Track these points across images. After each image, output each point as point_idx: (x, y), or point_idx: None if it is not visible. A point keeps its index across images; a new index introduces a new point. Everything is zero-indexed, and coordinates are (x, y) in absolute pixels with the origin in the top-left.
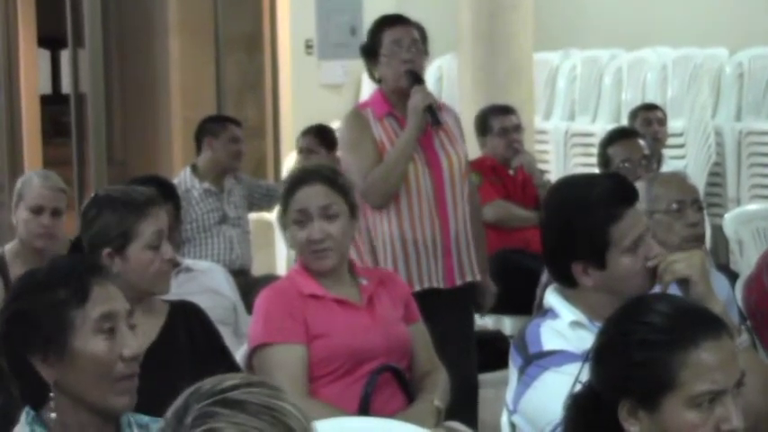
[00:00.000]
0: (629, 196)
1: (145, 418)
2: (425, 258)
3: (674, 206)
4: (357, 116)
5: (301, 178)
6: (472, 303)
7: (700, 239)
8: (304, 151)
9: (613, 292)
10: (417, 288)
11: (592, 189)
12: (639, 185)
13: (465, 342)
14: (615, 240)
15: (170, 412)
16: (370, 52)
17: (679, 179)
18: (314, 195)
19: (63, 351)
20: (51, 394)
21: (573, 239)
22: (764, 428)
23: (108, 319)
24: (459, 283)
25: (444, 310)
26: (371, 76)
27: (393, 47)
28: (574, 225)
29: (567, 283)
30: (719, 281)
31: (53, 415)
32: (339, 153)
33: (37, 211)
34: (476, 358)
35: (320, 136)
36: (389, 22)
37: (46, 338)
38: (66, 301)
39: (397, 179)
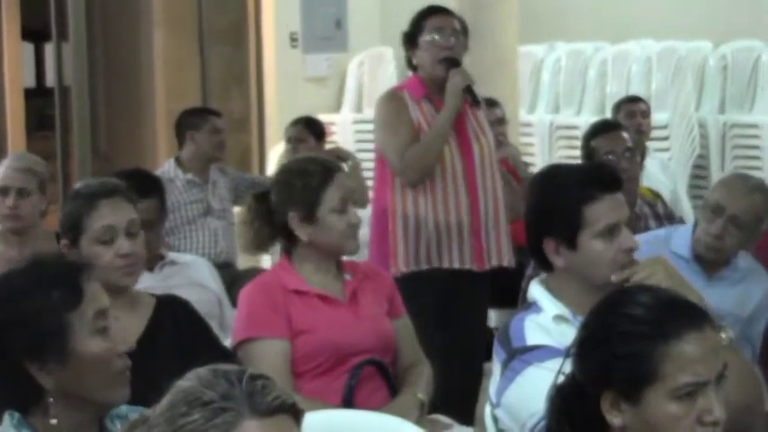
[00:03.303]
0: (610, 182)
1: (123, 408)
2: (458, 239)
3: (713, 207)
4: (394, 97)
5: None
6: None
7: (712, 251)
8: (293, 141)
9: (582, 276)
10: (447, 265)
11: (574, 171)
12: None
13: (478, 329)
14: (588, 222)
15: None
16: (411, 39)
17: (734, 185)
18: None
19: (64, 356)
20: (51, 399)
21: (548, 216)
22: (744, 422)
23: (101, 317)
24: (488, 266)
25: (468, 293)
26: (408, 62)
27: (434, 34)
28: (550, 202)
29: (545, 266)
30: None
31: (53, 421)
32: (374, 133)
33: (3, 192)
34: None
35: (309, 126)
36: (433, 10)
37: (45, 345)
38: (62, 303)
39: (434, 158)
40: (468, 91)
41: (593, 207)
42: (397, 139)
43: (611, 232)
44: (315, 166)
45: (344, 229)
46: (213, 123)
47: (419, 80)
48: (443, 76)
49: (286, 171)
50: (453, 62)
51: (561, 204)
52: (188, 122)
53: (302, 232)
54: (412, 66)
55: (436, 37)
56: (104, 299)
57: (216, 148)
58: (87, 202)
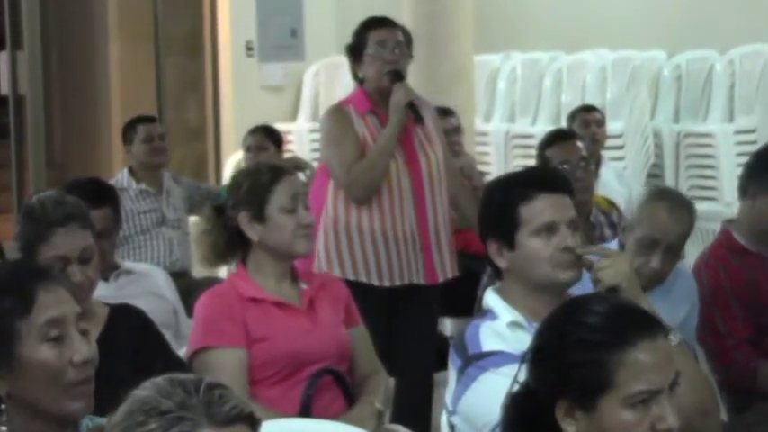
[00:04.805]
0: (548, 183)
1: (102, 421)
2: (405, 254)
3: (646, 243)
4: (339, 112)
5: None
6: (440, 304)
7: (654, 282)
8: (252, 149)
9: (524, 276)
10: (398, 283)
11: (516, 174)
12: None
13: (428, 341)
14: (524, 220)
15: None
16: (355, 52)
17: (660, 215)
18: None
19: (11, 362)
20: (3, 406)
21: (490, 218)
22: (697, 426)
23: (55, 325)
24: (440, 279)
25: (417, 306)
26: (354, 76)
27: (377, 47)
28: (492, 202)
29: (497, 272)
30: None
31: (4, 428)
32: (320, 147)
33: None
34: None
35: (269, 134)
36: (375, 23)
37: None
38: (11, 310)
39: (380, 173)
40: (410, 106)
41: (529, 206)
42: (342, 154)
43: (548, 231)
44: (265, 167)
45: (294, 229)
46: (144, 132)
47: (364, 94)
48: (390, 87)
49: (237, 174)
50: (397, 76)
51: (500, 205)
52: (125, 136)
53: (253, 232)
54: (358, 79)
55: (380, 50)
56: (64, 308)
57: (152, 155)
58: (41, 230)
